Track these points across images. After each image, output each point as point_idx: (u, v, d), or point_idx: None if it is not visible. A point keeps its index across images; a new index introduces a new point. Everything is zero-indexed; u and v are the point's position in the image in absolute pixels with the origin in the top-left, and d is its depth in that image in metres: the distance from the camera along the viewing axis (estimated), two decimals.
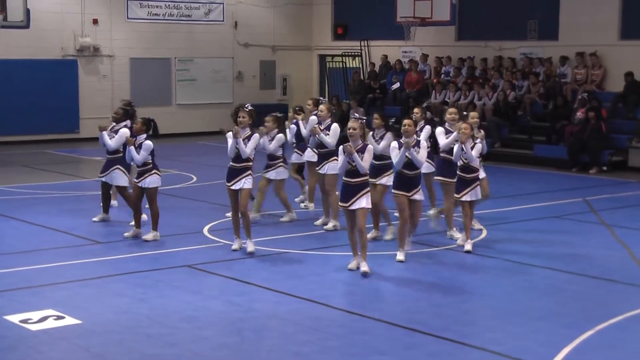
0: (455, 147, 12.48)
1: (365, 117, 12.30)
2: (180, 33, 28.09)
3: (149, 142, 13.06)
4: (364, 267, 11.04)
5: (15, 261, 12.14)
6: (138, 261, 12.19)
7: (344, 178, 11.21)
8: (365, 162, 10.94)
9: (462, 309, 9.98)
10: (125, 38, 27.17)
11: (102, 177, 14.41)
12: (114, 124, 14.38)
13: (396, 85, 26.33)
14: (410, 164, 11.10)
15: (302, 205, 15.48)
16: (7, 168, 19.97)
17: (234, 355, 8.71)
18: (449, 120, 13.19)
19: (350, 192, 11.09)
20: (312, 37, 30.59)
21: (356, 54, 28.58)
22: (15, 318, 9.46)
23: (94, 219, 14.57)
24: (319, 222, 14.34)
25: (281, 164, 14.01)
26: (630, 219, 14.93)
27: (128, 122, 14.34)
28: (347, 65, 29.00)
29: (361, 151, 11.03)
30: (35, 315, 9.55)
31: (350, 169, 11.09)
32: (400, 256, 11.68)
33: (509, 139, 23.12)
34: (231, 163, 12.23)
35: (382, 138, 13.53)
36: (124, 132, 14.20)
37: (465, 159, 12.35)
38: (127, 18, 27.19)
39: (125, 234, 13.31)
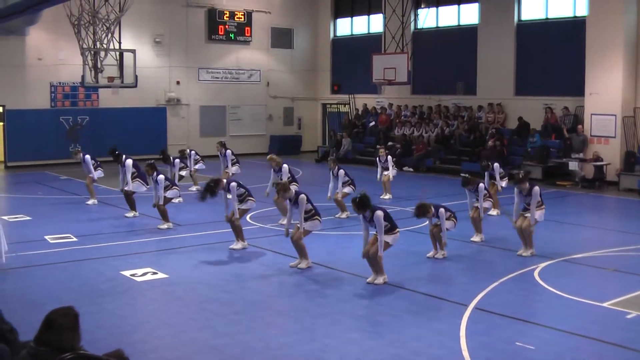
0: None
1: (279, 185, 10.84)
2: (232, 89, 28.21)
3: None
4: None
5: (129, 237, 12.41)
6: (204, 237, 12.36)
7: None
8: None
9: (417, 274, 10.13)
10: (196, 93, 27.33)
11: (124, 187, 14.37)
12: None
13: (372, 123, 26.51)
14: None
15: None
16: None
17: (267, 298, 8.96)
18: None
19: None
20: (317, 91, 30.61)
21: (346, 103, 28.70)
22: (127, 273, 9.78)
23: (126, 214, 14.28)
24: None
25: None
26: None
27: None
28: (340, 110, 29.12)
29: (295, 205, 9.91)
30: (139, 271, 9.84)
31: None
32: (369, 278, 9.36)
33: (445, 158, 23.14)
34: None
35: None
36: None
37: None
38: (198, 80, 27.38)
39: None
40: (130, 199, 14.30)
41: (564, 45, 21.64)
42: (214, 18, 27.34)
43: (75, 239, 11.99)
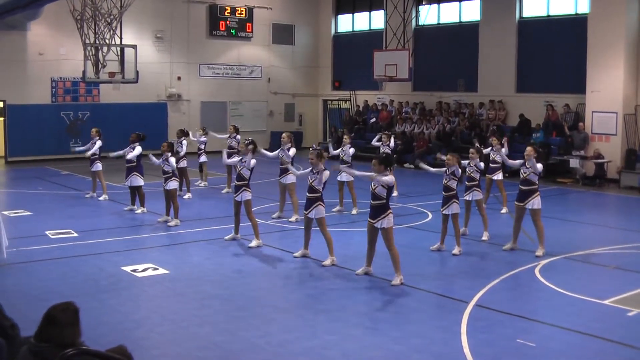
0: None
1: (319, 148, 10.90)
2: (233, 85, 28.14)
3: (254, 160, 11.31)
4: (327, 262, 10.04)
5: (130, 232, 12.37)
6: (204, 233, 12.32)
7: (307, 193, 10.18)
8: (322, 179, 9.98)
9: (418, 271, 10.09)
10: (197, 89, 27.24)
11: (126, 183, 14.20)
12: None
13: (373, 120, 26.46)
14: (372, 195, 9.17)
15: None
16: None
17: (268, 295, 8.92)
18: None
19: (308, 203, 10.14)
20: (318, 88, 30.54)
21: (347, 99, 28.63)
22: (128, 268, 9.76)
23: (125, 208, 14.30)
24: (292, 218, 13.23)
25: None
26: None
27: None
28: (341, 107, 29.06)
29: (318, 173, 10.07)
30: (140, 267, 9.82)
31: (309, 184, 10.09)
32: (359, 270, 9.55)
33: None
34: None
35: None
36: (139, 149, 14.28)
37: (447, 181, 10.88)
38: (199, 76, 27.29)
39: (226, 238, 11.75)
40: (139, 193, 14.14)
41: (566, 43, 21.59)
42: (215, 14, 27.29)
43: (76, 235, 11.98)
